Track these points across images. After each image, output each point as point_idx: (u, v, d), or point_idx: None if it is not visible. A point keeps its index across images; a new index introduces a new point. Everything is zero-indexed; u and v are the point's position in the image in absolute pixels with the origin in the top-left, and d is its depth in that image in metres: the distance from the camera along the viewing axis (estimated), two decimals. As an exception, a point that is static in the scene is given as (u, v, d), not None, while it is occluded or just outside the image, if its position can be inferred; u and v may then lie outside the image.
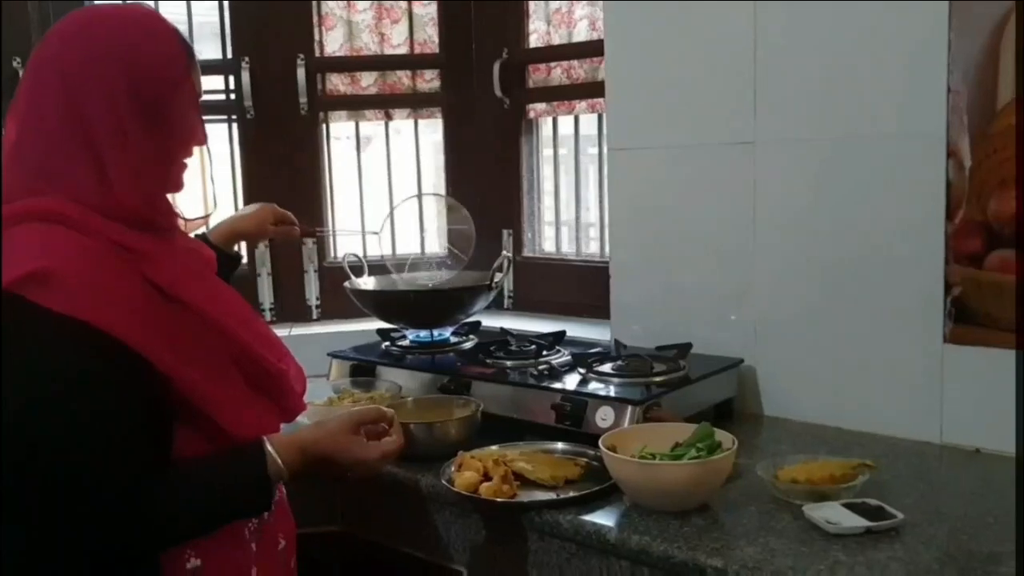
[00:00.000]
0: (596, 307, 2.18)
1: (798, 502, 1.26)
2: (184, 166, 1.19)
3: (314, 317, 2.43)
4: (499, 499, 1.33)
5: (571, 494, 1.33)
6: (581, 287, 2.27)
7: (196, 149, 1.20)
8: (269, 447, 1.12)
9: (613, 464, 1.29)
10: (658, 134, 1.83)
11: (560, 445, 1.51)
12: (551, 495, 1.35)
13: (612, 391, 1.54)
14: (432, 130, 2.52)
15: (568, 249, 2.39)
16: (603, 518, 1.27)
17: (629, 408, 1.47)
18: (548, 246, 2.44)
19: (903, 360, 1.54)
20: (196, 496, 1.07)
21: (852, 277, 1.59)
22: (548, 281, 2.34)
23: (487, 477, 1.39)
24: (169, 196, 1.19)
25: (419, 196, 2.37)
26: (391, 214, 2.09)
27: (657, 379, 1.59)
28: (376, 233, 2.04)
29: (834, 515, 1.20)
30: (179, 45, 1.15)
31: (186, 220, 1.27)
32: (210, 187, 1.40)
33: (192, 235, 1.53)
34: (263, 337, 1.22)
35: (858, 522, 1.18)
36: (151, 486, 1.04)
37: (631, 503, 1.30)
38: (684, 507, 1.27)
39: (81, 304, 0.99)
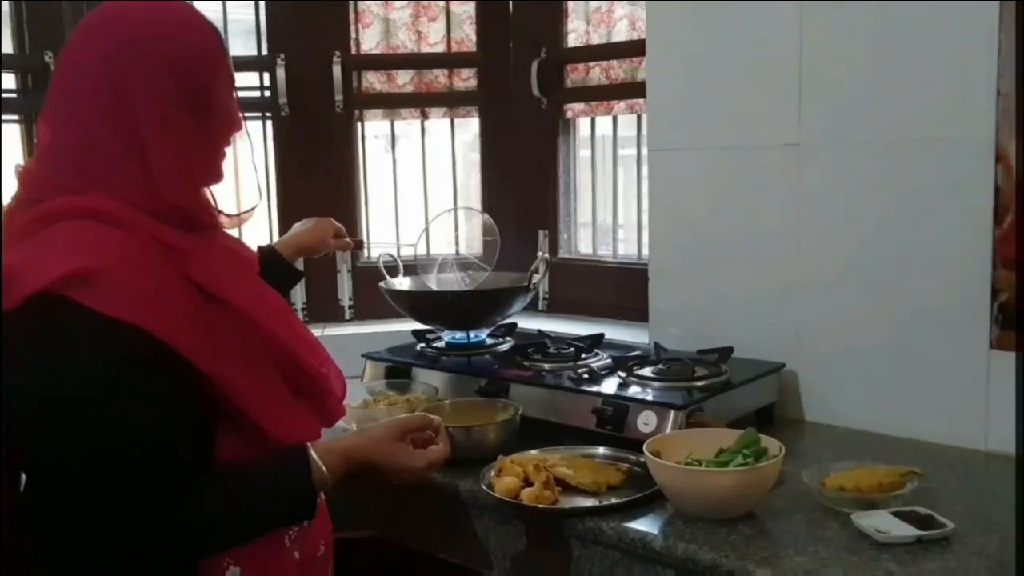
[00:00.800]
0: (633, 309, 2.17)
1: (846, 510, 1.25)
2: (224, 155, 1.18)
3: (347, 318, 2.44)
4: (541, 505, 1.32)
5: (614, 500, 1.32)
6: (617, 289, 2.26)
7: (234, 138, 1.18)
8: (313, 453, 1.11)
9: (658, 470, 1.28)
10: (700, 135, 1.82)
11: (601, 450, 1.50)
12: (593, 501, 1.34)
13: (654, 395, 1.53)
14: (462, 130, 2.52)
15: (604, 251, 2.38)
16: (647, 525, 1.26)
17: (672, 413, 1.46)
18: (584, 247, 2.43)
19: (948, 366, 1.52)
20: (238, 502, 1.06)
21: (897, 281, 1.57)
22: (584, 283, 2.33)
23: (528, 482, 1.38)
24: (209, 193, 1.17)
25: (455, 209, 2.35)
26: (426, 229, 2.10)
27: (699, 383, 1.57)
28: (412, 246, 2.04)
29: (883, 524, 1.19)
30: (213, 30, 1.13)
31: (229, 216, 1.26)
32: (253, 176, 1.38)
33: (256, 247, 1.53)
34: (304, 340, 1.21)
35: (908, 531, 1.16)
36: (192, 491, 1.02)
37: (675, 510, 1.29)
38: (730, 515, 1.25)
39: (125, 305, 0.98)
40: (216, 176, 1.17)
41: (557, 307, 2.39)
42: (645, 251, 2.23)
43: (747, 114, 1.74)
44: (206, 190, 1.16)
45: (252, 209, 1.33)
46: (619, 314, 2.24)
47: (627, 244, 2.33)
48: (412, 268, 2.10)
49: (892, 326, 1.58)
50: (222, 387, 1.04)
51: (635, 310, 2.14)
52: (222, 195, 1.23)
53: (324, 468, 1.10)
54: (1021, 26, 1.38)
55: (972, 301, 1.47)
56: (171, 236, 1.06)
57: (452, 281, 2.08)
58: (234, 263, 1.17)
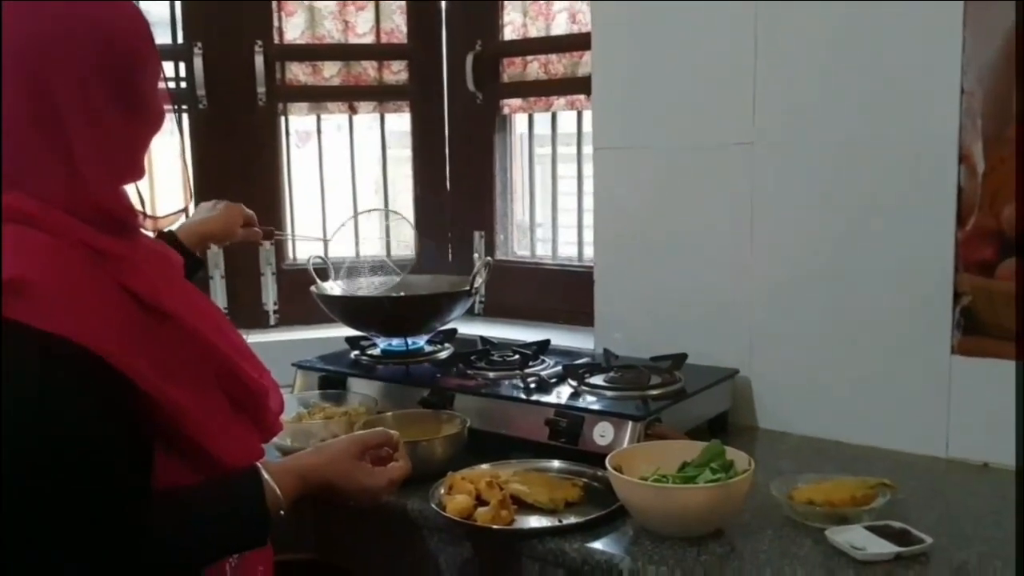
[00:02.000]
0: (574, 313, 2.10)
1: (816, 525, 1.19)
2: (147, 150, 1.07)
3: (271, 323, 2.29)
4: (497, 526, 1.23)
5: (573, 519, 1.24)
6: (558, 293, 2.18)
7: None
8: (265, 475, 1.02)
9: (623, 487, 1.20)
10: (649, 133, 1.75)
11: (556, 464, 1.41)
12: (551, 519, 1.25)
13: (608, 406, 1.45)
14: (367, 126, 2.40)
15: (542, 252, 2.29)
16: (612, 545, 1.18)
17: (629, 424, 1.38)
18: (521, 249, 2.34)
19: (908, 372, 1.49)
20: (185, 530, 0.97)
21: (855, 285, 1.53)
22: (522, 286, 2.24)
23: (480, 500, 1.29)
24: (133, 193, 1.07)
25: (386, 211, 2.24)
26: (355, 221, 1.99)
27: (654, 392, 1.50)
28: (327, 240, 1.92)
29: (859, 539, 1.13)
30: (140, 16, 1.02)
31: (153, 218, 1.15)
32: (182, 175, 1.27)
33: (154, 235, 1.40)
34: (242, 350, 1.11)
35: (886, 548, 1.11)
36: (133, 519, 0.93)
37: (639, 527, 1.21)
38: (698, 532, 1.18)
39: (58, 317, 0.88)
40: (139, 172, 1.06)
41: (494, 311, 2.29)
42: (586, 252, 2.17)
43: (699, 112, 1.68)
44: (129, 190, 1.05)
45: (180, 212, 1.21)
46: (560, 318, 2.16)
47: (567, 246, 2.25)
48: (341, 271, 1.98)
49: (849, 331, 1.54)
50: (163, 406, 0.95)
51: (577, 314, 2.07)
52: (140, 195, 1.11)
53: (278, 490, 1.02)
54: (1021, 26, 1.34)
55: (932, 305, 1.44)
56: (101, 241, 0.95)
57: (386, 284, 1.97)
58: (165, 268, 1.06)
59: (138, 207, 1.08)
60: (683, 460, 1.27)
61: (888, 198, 1.48)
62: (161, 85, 1.07)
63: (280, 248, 2.29)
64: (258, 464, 1.05)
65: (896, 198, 1.47)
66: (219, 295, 2.23)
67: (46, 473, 0.87)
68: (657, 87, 1.73)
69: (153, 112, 1.04)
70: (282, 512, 1.04)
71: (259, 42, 2.19)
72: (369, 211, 2.10)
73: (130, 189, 1.07)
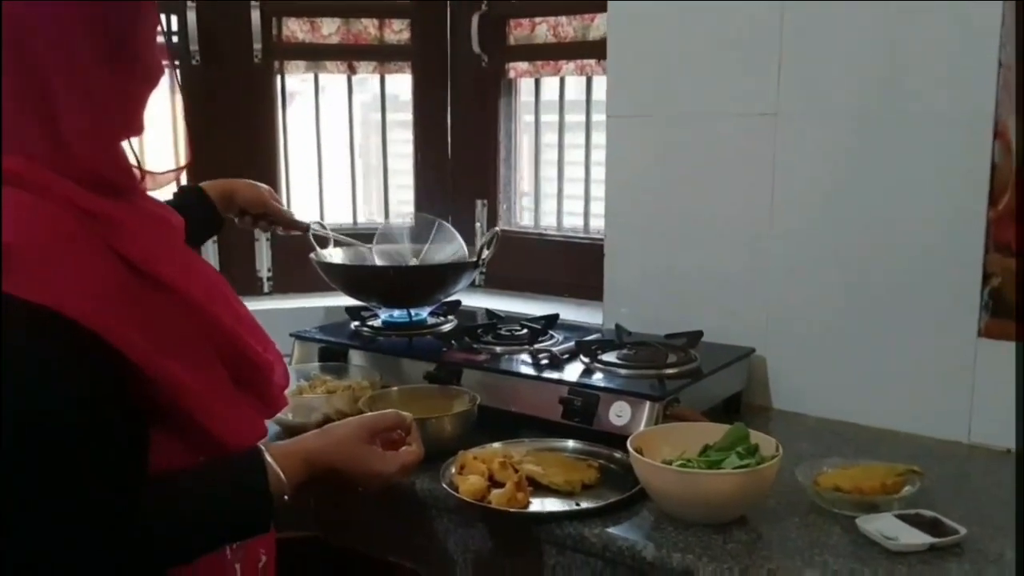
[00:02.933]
0: (579, 287, 2.05)
1: (844, 512, 1.15)
2: (145, 106, 1.00)
3: (266, 291, 2.23)
4: (513, 509, 1.18)
5: (590, 502, 1.19)
6: (563, 265, 2.12)
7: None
8: (269, 458, 0.96)
9: (646, 471, 1.15)
10: (666, 101, 1.68)
11: (571, 444, 1.37)
12: (568, 503, 1.21)
13: (624, 384, 1.40)
14: (361, 88, 2.31)
15: (547, 223, 2.23)
16: (634, 531, 1.13)
17: (647, 405, 1.33)
18: (524, 219, 2.28)
19: (931, 354, 1.44)
20: (184, 517, 0.91)
21: (879, 263, 1.48)
22: (526, 258, 2.17)
23: (492, 480, 1.24)
24: (130, 150, 1.00)
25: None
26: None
27: (670, 371, 1.45)
28: (370, 247, 1.84)
29: (890, 529, 1.09)
30: None
31: (154, 175, 1.08)
32: (182, 133, 1.20)
33: (173, 188, 1.33)
34: (246, 322, 1.04)
35: (920, 538, 1.07)
36: (129, 505, 0.87)
37: (660, 512, 1.17)
38: (722, 519, 1.14)
39: (44, 287, 0.81)
40: (135, 129, 0.99)
41: (495, 283, 2.23)
42: (593, 224, 2.11)
43: (720, 80, 1.61)
44: (127, 146, 0.98)
45: (182, 168, 1.14)
46: (565, 291, 2.10)
47: (571, 217, 2.19)
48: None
49: (871, 310, 1.50)
50: (160, 381, 0.88)
51: (583, 288, 2.02)
52: (136, 153, 1.04)
53: (282, 474, 0.96)
54: (1021, 26, 1.31)
55: (960, 286, 1.40)
56: (93, 202, 0.88)
57: (391, 253, 1.90)
58: (165, 233, 0.99)
59: (135, 164, 1.02)
60: (705, 443, 1.23)
61: (917, 174, 1.43)
62: (159, 39, 1.00)
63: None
64: (261, 447, 0.99)
65: (926, 174, 1.42)
66: (211, 261, 2.15)
67: (29, 455, 0.81)
68: (676, 53, 1.66)
69: (147, 66, 0.97)
70: (286, 498, 0.98)
71: (255, -4, 2.10)
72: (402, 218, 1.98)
73: (127, 147, 1.01)
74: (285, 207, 1.61)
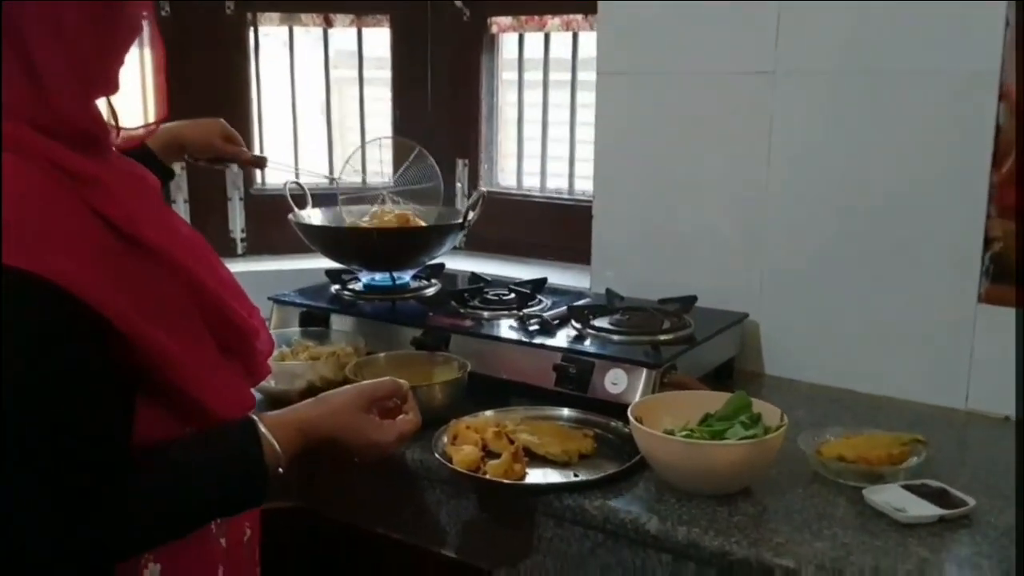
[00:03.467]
0: (564, 249, 2.00)
1: (849, 483, 1.13)
2: (122, 62, 0.94)
3: (239, 252, 2.15)
4: (509, 481, 1.14)
5: (587, 473, 1.16)
6: (547, 227, 2.07)
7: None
8: (263, 428, 0.91)
9: (649, 442, 1.12)
10: (659, 58, 1.63)
11: (566, 412, 1.33)
12: (565, 474, 1.17)
13: (620, 351, 1.36)
14: (343, 38, 2.22)
15: (529, 184, 2.17)
16: (636, 504, 1.10)
17: (644, 372, 1.30)
18: (506, 180, 2.22)
19: (929, 319, 1.42)
20: (174, 490, 0.87)
21: (877, 226, 1.45)
22: (508, 219, 2.11)
23: (487, 450, 1.20)
24: (104, 106, 0.93)
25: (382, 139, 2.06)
26: (362, 156, 1.83)
27: (664, 337, 1.42)
28: (334, 179, 1.77)
29: (897, 500, 1.07)
30: None
31: (128, 129, 1.01)
32: (152, 88, 1.13)
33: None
34: (230, 286, 0.99)
35: (928, 509, 1.05)
36: (117, 479, 0.82)
37: (661, 483, 1.14)
38: (727, 490, 1.11)
39: (23, 250, 0.76)
40: (112, 86, 0.93)
41: (476, 245, 2.17)
42: (578, 185, 2.06)
43: (716, 36, 1.56)
44: (100, 105, 0.92)
45: (157, 124, 1.07)
46: (549, 254, 2.06)
47: (556, 178, 2.13)
48: (322, 198, 1.84)
49: (868, 274, 1.47)
50: (145, 349, 0.83)
51: (568, 250, 1.97)
52: (112, 108, 0.98)
53: (277, 446, 0.91)
54: (1022, 26, 1.27)
55: (961, 250, 1.37)
56: (73, 161, 0.82)
57: (364, 213, 1.83)
58: (143, 192, 0.94)
59: (109, 121, 0.96)
60: (705, 411, 1.19)
61: (919, 134, 1.39)
62: None
63: (247, 172, 2.13)
64: (254, 417, 0.94)
65: (928, 135, 1.39)
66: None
67: (11, 424, 0.76)
68: (670, 7, 1.60)
69: (125, 19, 0.90)
70: (280, 470, 0.94)
71: (227, -56, 2.00)
72: (379, 139, 1.92)
73: (101, 104, 0.94)
74: (240, 142, 1.51)
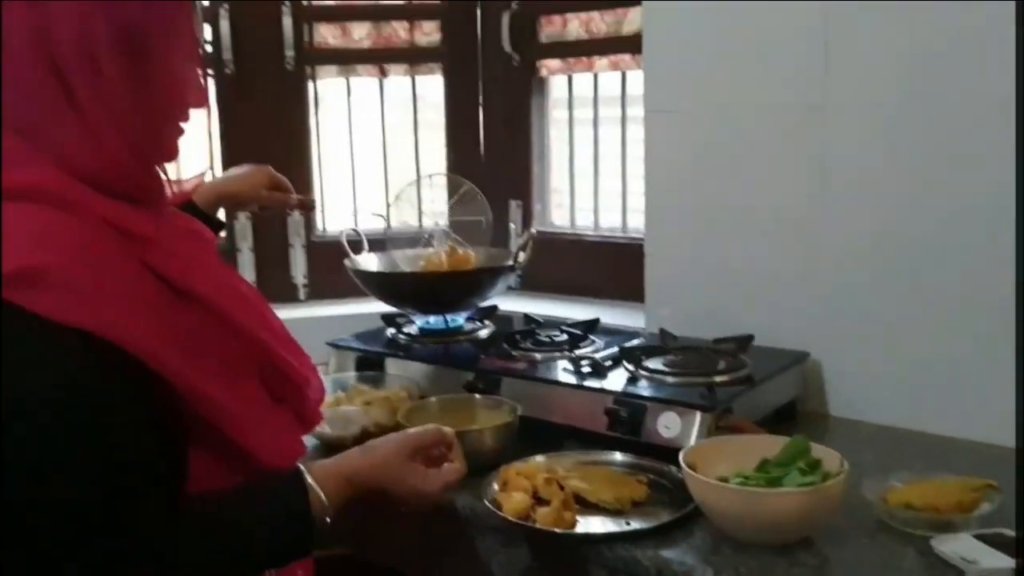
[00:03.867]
0: (618, 288, 1.98)
1: (918, 532, 1.07)
2: (179, 131, 0.97)
3: (301, 298, 2.19)
4: (560, 530, 1.12)
5: (641, 521, 1.13)
6: (601, 266, 2.06)
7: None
8: (310, 479, 0.93)
9: (702, 490, 1.08)
10: (708, 95, 1.61)
11: (618, 457, 1.30)
12: (618, 522, 1.14)
13: (673, 394, 1.33)
14: (398, 86, 2.26)
15: (583, 222, 2.16)
16: (690, 554, 1.06)
17: (698, 415, 1.26)
18: (558, 218, 2.21)
19: (1000, 355, 1.35)
20: (221, 542, 0.88)
21: (938, 260, 1.40)
22: (562, 259, 2.10)
23: (537, 497, 1.18)
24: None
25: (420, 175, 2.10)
26: (418, 196, 1.86)
27: (720, 378, 1.38)
28: (381, 216, 1.79)
29: (969, 551, 1.01)
30: None
31: (179, 181, 1.04)
32: (205, 144, 1.17)
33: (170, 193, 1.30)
34: (282, 337, 1.01)
35: (1002, 561, 0.99)
36: (165, 529, 0.84)
37: (717, 533, 1.10)
38: (785, 540, 1.07)
39: (78, 308, 0.79)
40: (167, 151, 0.96)
41: (531, 285, 2.16)
42: (632, 221, 2.04)
43: (764, 71, 1.54)
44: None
45: (202, 174, 1.11)
46: (603, 293, 2.04)
47: (608, 212, 2.11)
48: (378, 243, 1.86)
49: (934, 309, 1.41)
50: (197, 402, 0.85)
51: (623, 289, 1.95)
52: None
53: (323, 496, 0.93)
54: (1022, 26, 1.23)
55: (1031, 283, 1.31)
56: (129, 219, 0.86)
57: (419, 257, 1.84)
58: (197, 248, 0.97)
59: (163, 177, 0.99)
60: (762, 457, 1.15)
61: (977, 164, 1.34)
62: (196, 60, 0.95)
63: (309, 219, 2.18)
64: (302, 467, 0.95)
65: (984, 166, 1.33)
66: (247, 269, 2.13)
67: (66, 478, 0.78)
68: (716, 44, 1.59)
69: (178, 84, 0.92)
70: (328, 520, 0.95)
71: (286, 3, 2.07)
72: (431, 176, 1.95)
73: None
74: (287, 187, 1.54)
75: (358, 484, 0.98)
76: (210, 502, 0.89)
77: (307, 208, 1.63)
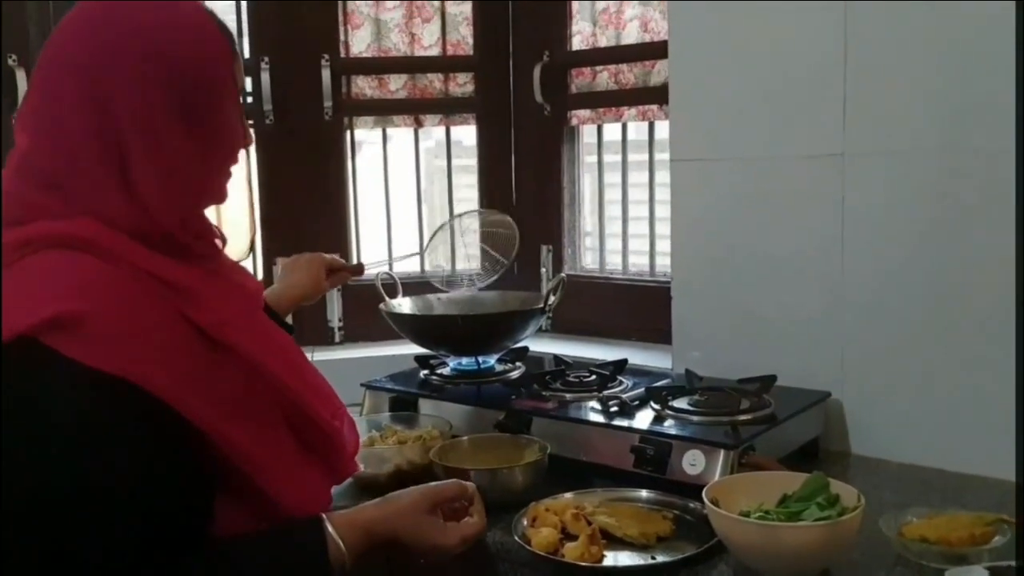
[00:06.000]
0: (646, 330, 2.04)
1: (932, 565, 1.11)
2: (228, 175, 1.04)
3: (337, 340, 2.26)
4: (586, 563, 1.16)
5: (666, 555, 1.17)
6: (629, 308, 2.11)
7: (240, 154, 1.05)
8: (330, 527, 0.96)
9: (723, 524, 1.13)
10: (731, 144, 1.68)
11: (644, 494, 1.35)
12: (643, 556, 1.19)
13: (697, 432, 1.38)
14: (425, 136, 2.36)
15: (611, 265, 2.23)
16: (712, 586, 1.11)
17: (722, 453, 1.31)
18: (588, 262, 2.28)
19: (1013, 394, 1.38)
20: None
21: (959, 301, 1.44)
22: (592, 301, 2.17)
23: (565, 532, 1.23)
24: (209, 216, 1.04)
25: (455, 216, 2.16)
26: (451, 239, 1.93)
27: (743, 418, 1.43)
28: (419, 254, 1.87)
29: (982, 584, 1.05)
30: (219, 31, 0.99)
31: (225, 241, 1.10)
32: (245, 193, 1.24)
33: None
34: (316, 388, 1.06)
35: (1015, 594, 1.02)
36: (187, 571, 0.88)
37: (739, 566, 1.14)
38: (805, 573, 1.11)
39: (113, 354, 0.83)
40: (217, 196, 1.03)
41: (561, 327, 2.23)
42: (659, 266, 2.10)
43: (785, 121, 1.60)
44: (207, 214, 1.02)
45: (246, 254, 1.18)
46: (632, 335, 2.09)
47: (637, 258, 2.18)
48: (411, 286, 1.93)
49: (952, 351, 1.45)
50: (226, 449, 0.90)
51: (651, 331, 2.01)
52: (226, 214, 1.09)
53: (342, 545, 0.96)
54: (1022, 26, 1.28)
55: (1047, 325, 1.35)
56: (168, 270, 0.91)
57: (458, 299, 1.92)
58: (240, 300, 1.01)
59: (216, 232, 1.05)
60: (783, 492, 1.20)
61: (993, 211, 1.39)
62: (239, 106, 1.03)
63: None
64: (323, 516, 0.98)
65: (1003, 208, 1.38)
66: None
67: (88, 521, 0.83)
68: (739, 95, 1.66)
69: (227, 133, 1.00)
70: (346, 568, 0.97)
71: (325, 56, 2.17)
72: (460, 215, 2.02)
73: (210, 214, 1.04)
74: (339, 263, 1.62)
75: (376, 533, 1.00)
76: (230, 546, 0.92)
77: (359, 274, 1.71)
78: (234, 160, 1.03)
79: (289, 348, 1.04)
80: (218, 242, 1.05)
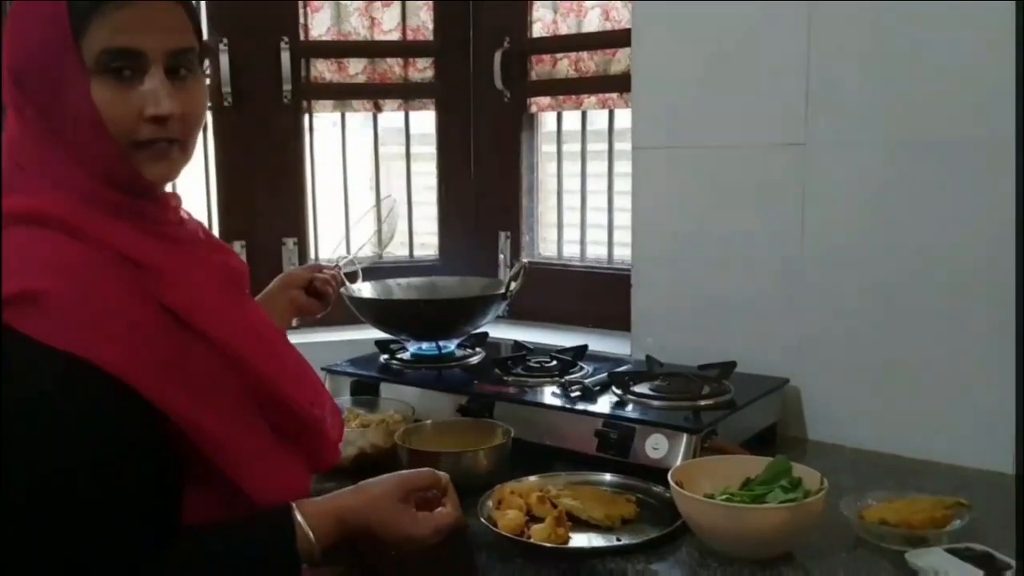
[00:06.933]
0: (605, 317, 2.05)
1: (892, 547, 1.13)
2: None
3: (294, 325, 2.21)
4: (553, 544, 1.16)
5: (631, 537, 1.18)
6: (587, 295, 2.12)
7: None
8: (299, 517, 0.93)
9: (689, 506, 1.14)
10: (693, 133, 1.69)
11: (608, 477, 1.35)
12: (608, 538, 1.19)
13: (660, 417, 1.39)
14: (385, 120, 2.32)
15: (569, 253, 2.23)
16: (678, 568, 1.12)
17: (685, 437, 1.32)
18: (545, 249, 2.28)
19: (972, 382, 1.42)
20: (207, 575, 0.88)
21: (915, 289, 1.47)
22: (550, 288, 2.16)
23: (531, 515, 1.23)
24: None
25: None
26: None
27: (704, 403, 1.44)
28: (382, 249, 1.85)
29: (941, 564, 1.07)
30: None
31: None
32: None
33: None
34: (295, 373, 1.02)
35: (973, 574, 1.05)
36: (152, 561, 0.85)
37: (703, 548, 1.15)
38: (768, 555, 1.12)
39: (76, 335, 0.81)
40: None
41: (519, 314, 2.22)
42: (617, 253, 2.11)
43: (747, 111, 1.62)
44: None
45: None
46: (590, 322, 2.10)
47: (595, 246, 2.19)
48: (371, 271, 1.91)
49: (908, 338, 1.48)
50: (192, 435, 0.87)
51: (609, 318, 2.02)
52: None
53: (312, 535, 0.93)
54: (1021, 26, 1.31)
55: (1000, 312, 1.38)
56: (137, 248, 0.88)
57: (413, 286, 1.91)
58: (217, 279, 0.98)
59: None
60: (746, 476, 1.21)
61: (951, 201, 1.42)
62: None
63: (303, 249, 2.22)
64: (293, 505, 0.95)
65: (960, 201, 1.41)
66: (241, 297, 2.17)
67: (53, 507, 0.80)
68: (701, 85, 1.67)
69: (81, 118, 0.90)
70: (315, 558, 0.94)
71: (285, 39, 2.13)
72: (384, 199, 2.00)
73: None
74: (311, 271, 1.58)
75: (348, 522, 0.97)
76: (198, 535, 0.89)
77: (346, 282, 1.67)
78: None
79: (268, 335, 1.00)
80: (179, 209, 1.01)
